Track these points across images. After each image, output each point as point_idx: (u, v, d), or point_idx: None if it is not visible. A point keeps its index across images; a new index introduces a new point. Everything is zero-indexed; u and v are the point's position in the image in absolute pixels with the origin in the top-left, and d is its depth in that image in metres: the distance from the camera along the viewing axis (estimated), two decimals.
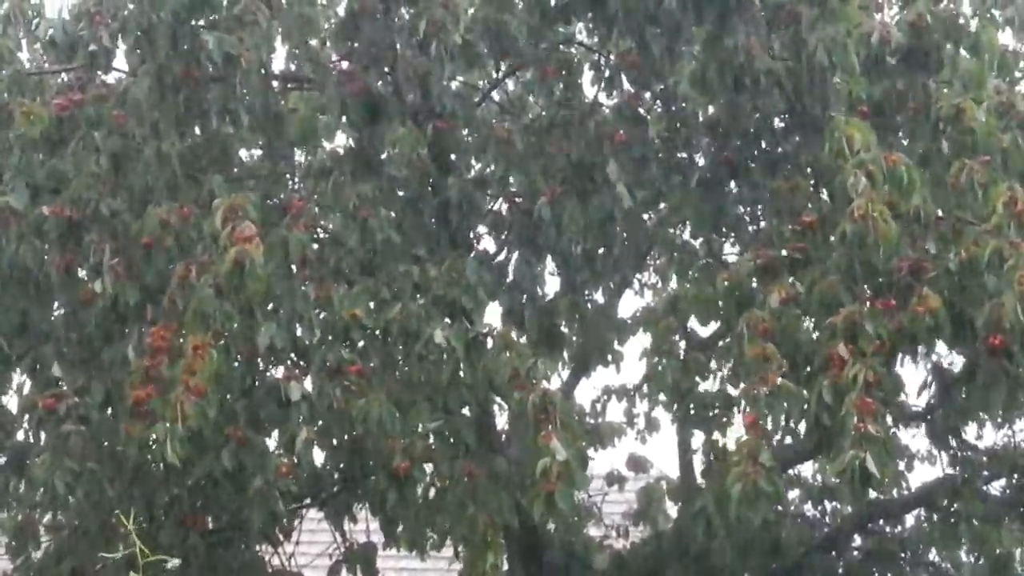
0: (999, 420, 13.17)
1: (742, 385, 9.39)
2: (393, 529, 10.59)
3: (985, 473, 12.90)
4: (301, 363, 10.26)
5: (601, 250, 11.87)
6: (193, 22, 10.44)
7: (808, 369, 9.23)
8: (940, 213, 9.62)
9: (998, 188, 9.21)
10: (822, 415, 8.72)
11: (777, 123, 11.58)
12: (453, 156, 11.72)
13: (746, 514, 8.73)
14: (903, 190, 9.30)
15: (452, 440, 10.29)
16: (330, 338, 10.05)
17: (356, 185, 10.76)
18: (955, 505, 11.64)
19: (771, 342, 9.16)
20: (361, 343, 10.13)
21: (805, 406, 8.92)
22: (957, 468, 12.17)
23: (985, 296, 8.92)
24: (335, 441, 10.38)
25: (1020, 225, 8.93)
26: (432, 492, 10.20)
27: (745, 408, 9.13)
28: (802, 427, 9.23)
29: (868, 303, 9.10)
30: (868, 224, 8.91)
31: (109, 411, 10.12)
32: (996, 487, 13.74)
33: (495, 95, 13.10)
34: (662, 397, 11.37)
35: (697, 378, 10.87)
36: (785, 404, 8.90)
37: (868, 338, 8.81)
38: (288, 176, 12.27)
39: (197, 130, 10.97)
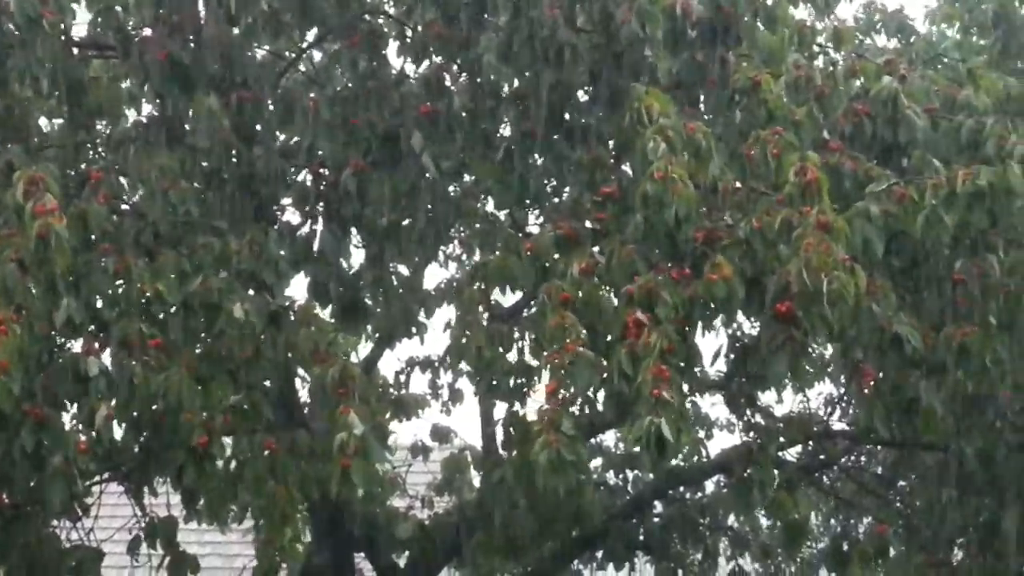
0: (796, 386, 13.43)
1: (544, 355, 9.45)
2: (194, 503, 10.51)
3: (781, 440, 13.16)
4: (100, 337, 10.13)
5: (406, 222, 11.87)
6: None
7: (608, 338, 9.32)
8: (737, 184, 9.77)
9: (790, 159, 9.39)
10: (620, 384, 8.78)
11: (581, 95, 11.66)
12: (258, 127, 11.61)
13: (552, 483, 8.76)
14: (700, 158, 9.44)
15: (252, 414, 10.25)
16: (130, 312, 9.91)
17: (158, 156, 10.61)
18: (749, 471, 11.82)
19: (571, 311, 9.21)
20: (161, 317, 10.01)
21: (604, 375, 9.00)
22: (752, 435, 12.38)
23: (776, 264, 9.09)
24: (135, 416, 10.25)
25: (810, 195, 9.11)
26: (232, 466, 10.16)
27: (546, 377, 9.19)
28: (602, 396, 9.29)
29: (664, 272, 9.20)
30: (666, 186, 9.01)
31: None
32: (792, 453, 14.08)
33: (301, 65, 12.99)
34: (466, 368, 11.40)
35: (500, 349, 10.92)
36: (585, 373, 8.97)
37: (664, 306, 8.90)
38: (89, 146, 12.08)
39: None
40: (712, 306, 9.12)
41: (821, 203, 8.98)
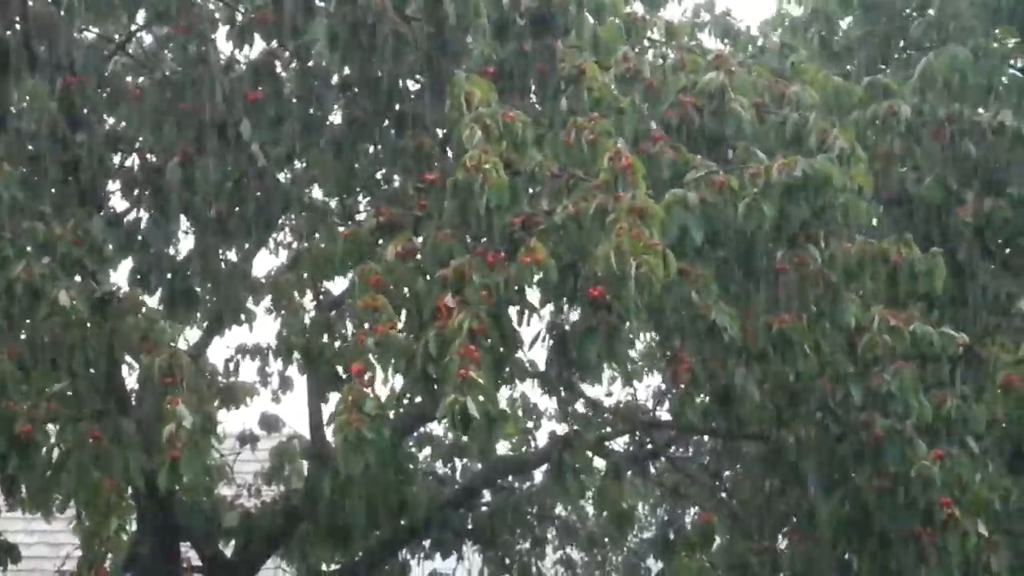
0: (625, 378, 13.54)
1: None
2: (16, 491, 10.33)
3: (608, 429, 13.28)
4: None
5: (234, 209, 11.78)
6: None
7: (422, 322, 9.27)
8: (556, 170, 9.79)
9: (606, 145, 9.47)
10: (427, 366, 8.74)
11: (411, 84, 11.67)
12: (84, 111, 11.46)
13: (352, 464, 8.66)
14: (518, 146, 9.49)
15: (77, 402, 10.11)
16: None
17: None
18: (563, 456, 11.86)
19: (385, 295, 9.17)
20: None
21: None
22: (570, 421, 12.46)
23: (591, 249, 9.07)
24: None
25: (625, 181, 9.15)
26: (56, 455, 9.99)
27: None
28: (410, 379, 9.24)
29: (480, 255, 9.15)
30: (479, 175, 9.01)
31: None
32: (620, 443, 14.23)
33: (129, 49, 12.83)
34: (295, 356, 11.36)
35: (326, 336, 10.90)
36: (392, 355, 8.91)
37: (474, 289, 8.89)
38: None
39: None
40: (526, 290, 9.14)
41: (636, 189, 9.06)
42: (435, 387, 8.77)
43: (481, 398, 8.31)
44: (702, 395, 10.42)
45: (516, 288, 9.01)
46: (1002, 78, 14.45)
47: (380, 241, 9.92)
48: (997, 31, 15.32)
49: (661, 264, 8.69)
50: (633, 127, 10.30)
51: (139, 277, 11.50)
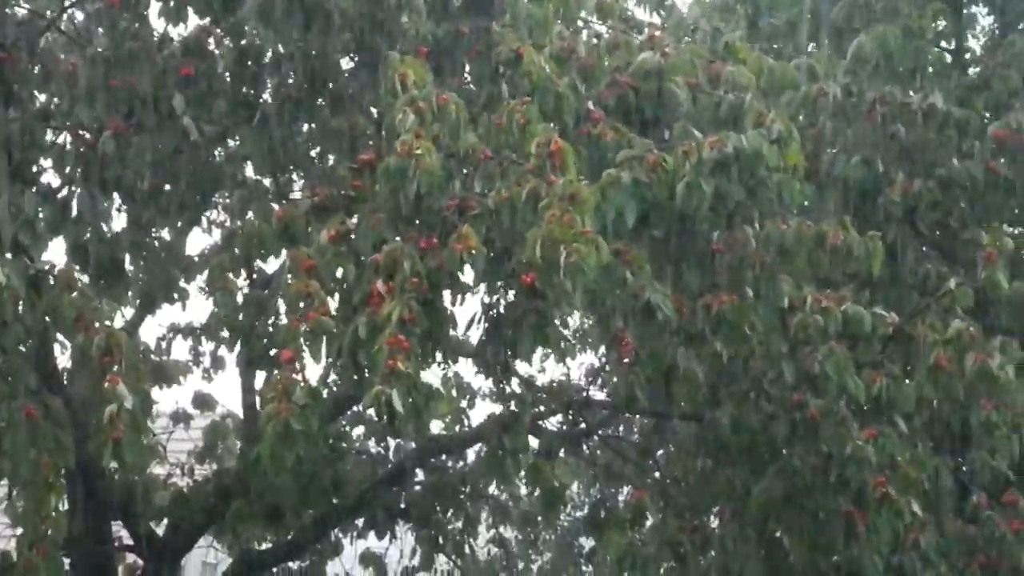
0: (557, 357, 13.54)
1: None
2: None
3: (541, 408, 13.27)
4: None
5: (168, 186, 11.71)
6: None
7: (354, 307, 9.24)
8: (490, 153, 9.78)
9: (535, 129, 9.48)
10: (358, 352, 8.72)
11: (347, 62, 11.63)
12: (16, 87, 11.36)
13: (279, 454, 8.64)
14: (452, 129, 9.47)
15: (11, 380, 10.02)
16: None
17: None
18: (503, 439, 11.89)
19: (317, 279, 9.14)
20: None
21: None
22: (507, 403, 12.44)
23: (524, 234, 9.04)
24: None
25: (555, 166, 9.16)
26: None
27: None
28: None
29: (413, 240, 9.14)
30: (412, 159, 9.01)
31: None
32: (553, 423, 14.26)
33: (62, 25, 12.72)
34: (224, 334, 11.31)
35: (262, 316, 10.85)
36: (321, 342, 8.88)
37: (402, 275, 8.85)
38: None
39: None
40: (458, 275, 9.15)
41: (567, 174, 9.07)
42: (365, 372, 8.74)
43: (407, 389, 8.30)
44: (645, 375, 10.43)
45: (448, 273, 9.02)
46: (928, 57, 14.56)
47: (314, 222, 9.88)
48: (930, 13, 15.41)
49: (593, 252, 8.71)
50: (573, 109, 10.30)
51: (75, 254, 11.40)
